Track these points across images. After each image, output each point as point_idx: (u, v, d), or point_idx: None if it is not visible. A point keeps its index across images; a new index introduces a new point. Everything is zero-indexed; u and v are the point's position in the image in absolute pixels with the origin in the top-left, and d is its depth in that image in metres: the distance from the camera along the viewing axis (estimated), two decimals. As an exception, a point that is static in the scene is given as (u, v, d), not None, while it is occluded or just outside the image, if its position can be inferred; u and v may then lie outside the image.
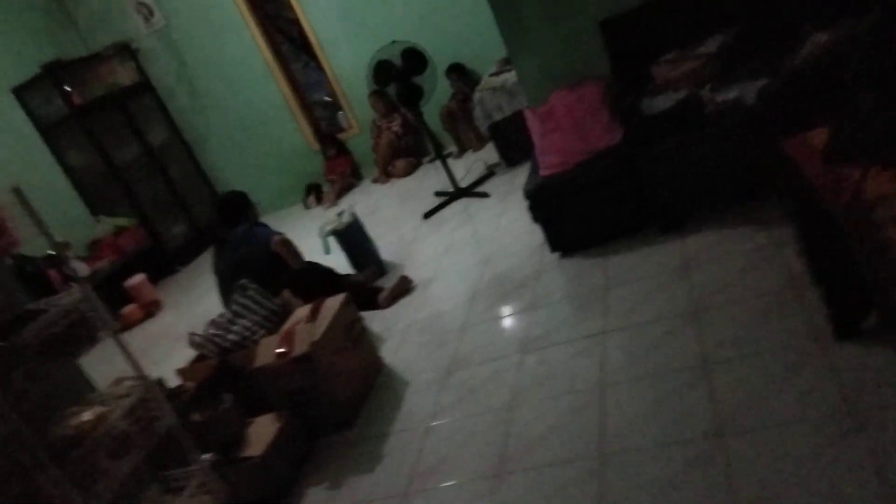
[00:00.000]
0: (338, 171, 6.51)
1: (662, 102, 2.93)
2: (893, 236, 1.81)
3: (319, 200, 6.49)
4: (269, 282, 3.43)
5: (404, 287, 3.73)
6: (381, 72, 4.66)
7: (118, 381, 2.81)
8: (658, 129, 2.89)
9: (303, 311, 2.96)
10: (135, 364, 2.28)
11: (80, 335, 2.13)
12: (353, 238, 4.10)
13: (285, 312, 3.16)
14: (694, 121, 2.82)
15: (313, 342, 2.65)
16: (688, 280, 2.65)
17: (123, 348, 2.21)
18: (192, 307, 5.28)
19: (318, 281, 3.50)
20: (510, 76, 4.78)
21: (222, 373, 2.97)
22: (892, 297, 1.86)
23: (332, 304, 2.93)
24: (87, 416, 2.15)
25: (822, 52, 2.65)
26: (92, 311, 2.16)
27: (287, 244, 3.63)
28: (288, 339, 2.72)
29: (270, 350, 2.75)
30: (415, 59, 4.63)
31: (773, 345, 2.11)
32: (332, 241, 4.18)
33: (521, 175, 4.65)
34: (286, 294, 3.33)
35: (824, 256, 1.98)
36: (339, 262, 4.13)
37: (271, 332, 3.09)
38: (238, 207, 3.81)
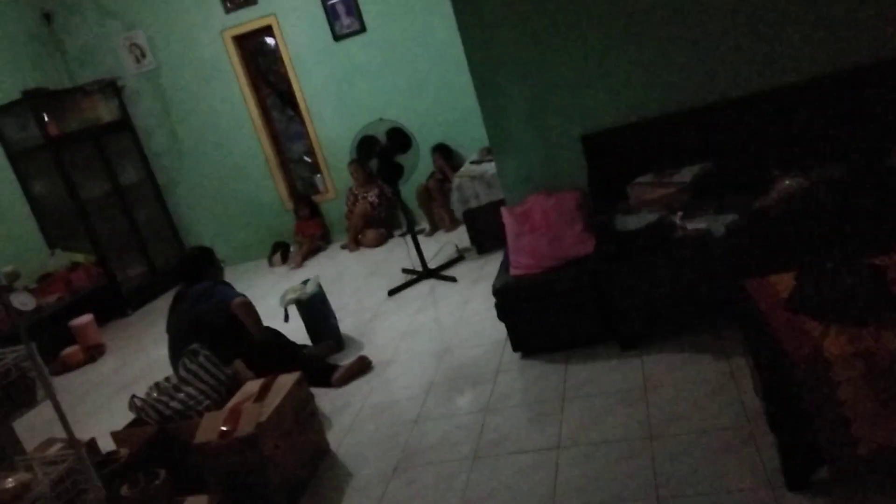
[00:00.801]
0: (308, 233, 6.49)
1: (635, 221, 3.01)
2: (846, 397, 1.86)
3: (285, 260, 6.42)
4: (223, 347, 3.34)
5: (361, 367, 3.66)
6: (365, 147, 4.73)
7: (49, 442, 2.66)
8: (629, 246, 2.95)
9: (253, 385, 2.87)
10: (69, 431, 2.16)
11: (17, 398, 2.01)
12: (314, 309, 4.03)
13: (235, 384, 3.06)
14: (664, 244, 2.89)
15: (260, 423, 2.56)
16: (644, 403, 2.66)
17: (62, 415, 2.10)
18: (137, 356, 5.09)
19: (273, 354, 3.41)
20: (490, 167, 4.89)
21: (160, 442, 2.83)
22: (843, 455, 1.89)
23: (285, 381, 2.84)
24: (10, 482, 2.02)
25: (789, 197, 2.78)
26: (33, 373, 2.05)
27: (247, 308, 3.55)
28: (234, 417, 2.62)
29: (214, 425, 2.64)
30: (400, 138, 4.71)
31: (726, 487, 2.11)
32: (293, 308, 4.10)
33: (490, 263, 4.71)
34: (238, 364, 3.23)
35: (780, 403, 2.01)
36: (296, 331, 4.05)
37: (217, 403, 2.98)
38: (201, 263, 3.74)
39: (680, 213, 2.96)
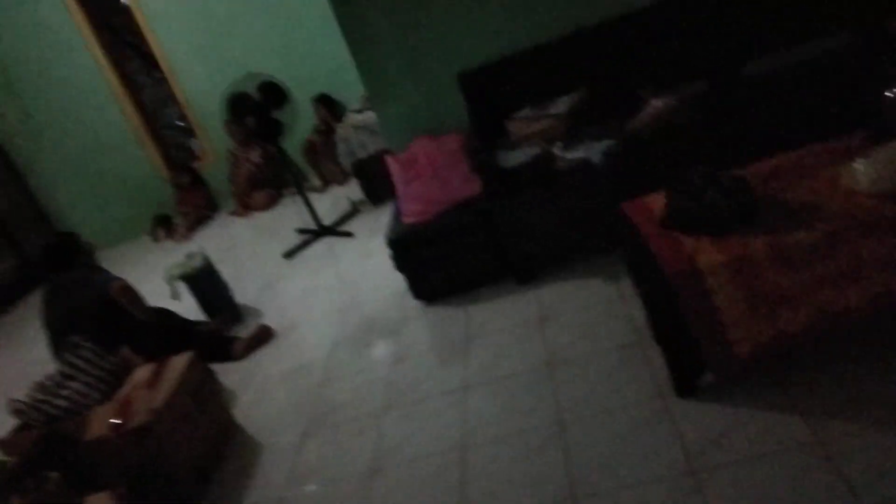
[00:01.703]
0: (191, 203, 6.15)
1: (518, 157, 3.02)
2: (721, 304, 1.97)
3: (170, 234, 6.07)
4: (106, 335, 3.13)
5: (262, 336, 3.55)
6: (237, 105, 4.47)
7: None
8: (513, 182, 2.96)
9: (143, 372, 2.72)
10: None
11: None
12: (203, 282, 3.84)
13: (124, 373, 2.88)
14: (546, 176, 2.93)
15: (153, 410, 2.43)
16: (542, 333, 2.73)
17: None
18: (16, 356, 4.72)
19: (162, 335, 3.24)
20: (373, 115, 4.75)
21: (50, 444, 2.64)
22: (724, 358, 2.02)
23: (177, 363, 2.71)
24: None
25: (658, 117, 2.87)
26: None
27: (127, 290, 3.32)
28: (124, 408, 2.48)
29: (105, 419, 2.49)
30: (274, 92, 4.48)
31: (622, 402, 2.21)
32: (181, 285, 3.89)
33: (386, 215, 4.62)
34: (125, 352, 3.04)
35: (662, 317, 2.10)
36: (189, 308, 3.86)
37: (107, 395, 2.81)
38: (66, 251, 3.45)
39: (559, 144, 3.00)
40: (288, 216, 5.43)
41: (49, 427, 2.69)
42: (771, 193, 2.09)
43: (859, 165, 1.91)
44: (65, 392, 2.81)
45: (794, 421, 1.90)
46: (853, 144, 2.15)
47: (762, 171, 2.22)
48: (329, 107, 5.73)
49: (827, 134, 2.31)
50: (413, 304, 3.33)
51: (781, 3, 3.06)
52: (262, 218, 5.76)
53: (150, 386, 2.57)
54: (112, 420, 2.45)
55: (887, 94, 2.02)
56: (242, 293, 4.20)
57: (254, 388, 3.15)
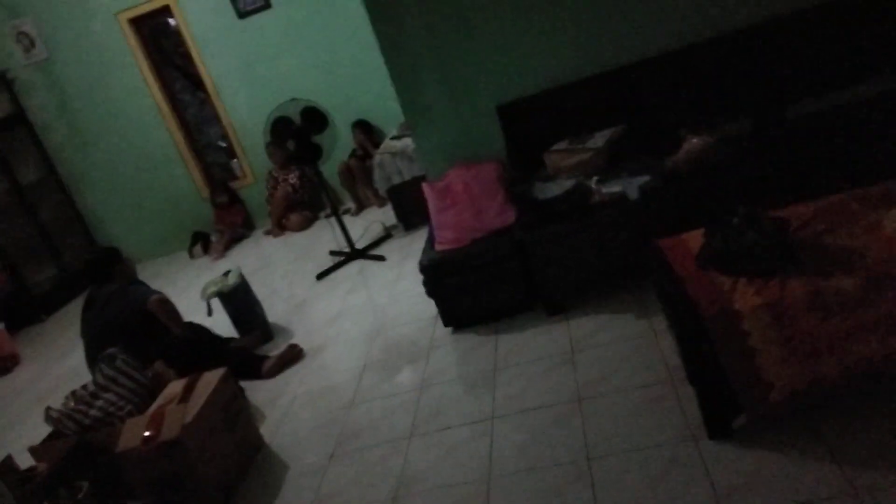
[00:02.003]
0: (228, 221, 6.27)
1: (553, 189, 3.04)
2: (757, 346, 1.94)
3: (206, 250, 6.20)
4: (142, 348, 3.20)
5: (292, 355, 3.59)
6: (279, 129, 4.57)
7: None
8: (548, 213, 2.98)
9: (176, 386, 2.76)
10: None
11: None
12: (238, 300, 3.91)
13: (157, 386, 2.94)
14: (581, 209, 2.93)
15: (184, 425, 2.46)
16: (572, 366, 2.71)
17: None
18: (56, 363, 4.83)
19: (196, 350, 3.29)
20: (411, 142, 4.82)
21: (80, 453, 2.69)
22: (758, 402, 1.98)
23: (209, 379, 2.75)
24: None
25: (697, 156, 2.86)
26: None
27: (165, 304, 3.40)
28: (156, 422, 2.52)
29: (136, 432, 2.53)
30: (315, 117, 4.58)
31: (652, 441, 2.18)
32: (216, 301, 3.96)
33: (418, 239, 4.67)
34: (159, 365, 3.10)
35: (696, 356, 2.08)
36: (221, 324, 3.93)
37: (139, 407, 2.86)
38: (107, 264, 3.54)
39: (595, 178, 3.00)
40: (322, 238, 5.50)
41: (82, 437, 2.74)
42: (811, 237, 2.07)
43: (903, 212, 1.88)
44: (99, 403, 2.87)
45: (828, 468, 1.85)
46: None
47: (803, 214, 2.20)
48: (367, 132, 5.84)
49: (870, 179, 2.28)
50: (442, 330, 3.34)
51: (827, 45, 3.05)
52: (296, 239, 5.85)
53: (182, 400, 2.61)
54: (144, 433, 2.48)
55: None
56: (274, 312, 4.26)
57: (281, 408, 3.17)
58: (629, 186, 2.89)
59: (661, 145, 3.01)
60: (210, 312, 3.92)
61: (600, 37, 3.26)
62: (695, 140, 2.87)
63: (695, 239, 2.27)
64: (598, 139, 3.08)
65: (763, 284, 1.95)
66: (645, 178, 2.88)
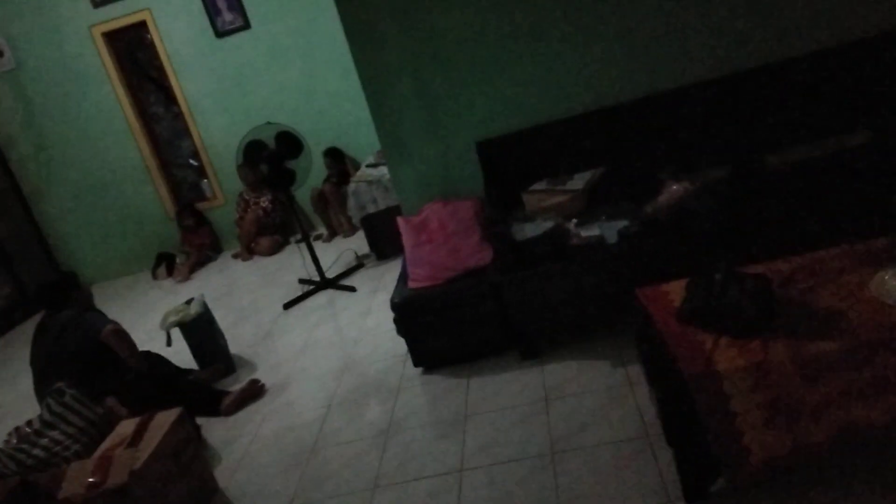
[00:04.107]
0: (195, 243, 6.10)
1: (532, 229, 2.96)
2: (738, 409, 1.87)
3: (171, 272, 6.01)
4: (94, 382, 3.04)
5: (253, 391, 3.43)
6: (253, 152, 4.46)
7: None
8: (526, 255, 2.90)
9: (127, 426, 2.60)
10: None
11: None
12: (200, 331, 3.74)
13: (108, 424, 2.77)
14: (559, 252, 2.86)
15: (133, 471, 2.31)
16: (545, 415, 2.62)
17: None
18: (5, 389, 4.59)
19: (150, 384, 3.13)
20: (387, 170, 4.74)
21: (20, 497, 2.51)
22: (738, 466, 1.90)
23: (163, 420, 2.59)
24: None
25: (676, 202, 2.82)
26: None
27: (119, 335, 3.23)
28: (103, 466, 2.35)
29: (81, 477, 2.36)
30: (290, 142, 4.48)
31: (626, 501, 2.09)
32: (177, 330, 3.80)
33: (390, 270, 4.57)
34: (111, 401, 2.93)
35: (675, 416, 2.00)
36: (181, 355, 3.76)
37: (87, 448, 2.69)
38: (62, 290, 3.37)
39: (574, 221, 2.94)
40: (291, 264, 5.37)
41: (23, 478, 2.56)
42: (795, 296, 2.02)
43: (888, 276, 1.84)
44: (43, 441, 2.69)
45: (811, 542, 1.78)
46: (880, 250, 2.08)
47: (785, 270, 2.15)
48: (339, 161, 5.72)
49: (851, 234, 2.25)
50: (412, 370, 3.23)
51: (808, 95, 3.06)
52: (265, 263, 5.70)
53: (132, 444, 2.45)
54: (89, 479, 2.32)
55: (917, 203, 1.97)
56: (237, 342, 4.11)
57: (240, 449, 3.02)
58: (608, 230, 2.83)
59: (641, 189, 2.96)
60: (169, 342, 3.76)
61: (582, 77, 3.23)
62: (675, 186, 2.84)
63: (676, 290, 2.21)
64: (578, 181, 3.03)
65: (745, 344, 1.88)
66: (624, 223, 2.83)
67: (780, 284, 2.07)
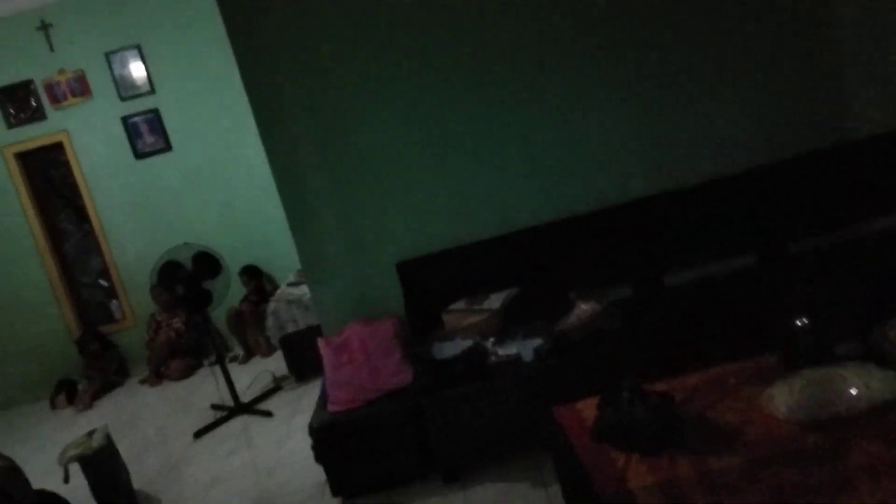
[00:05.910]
0: (99, 369, 5.77)
1: (451, 349, 3.02)
2: (654, 527, 1.91)
3: (71, 400, 5.61)
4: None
5: (157, 531, 3.19)
6: (168, 273, 4.38)
7: None
8: (446, 374, 2.94)
9: (12, 580, 2.34)
10: None
11: None
12: (101, 465, 3.48)
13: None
14: (479, 370, 2.92)
15: None
16: (469, 543, 2.56)
17: None
18: None
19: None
20: (307, 289, 4.75)
21: None
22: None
23: (55, 570, 2.36)
24: None
25: (586, 321, 2.97)
26: None
27: (11, 474, 2.96)
28: None
29: None
30: (208, 263, 4.44)
31: None
32: (76, 465, 3.52)
33: (309, 393, 4.46)
34: (-4, 551, 2.65)
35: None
36: (79, 492, 3.47)
37: None
38: None
39: (492, 339, 3.03)
40: (204, 388, 5.15)
41: None
42: (696, 411, 2.13)
43: (777, 392, 1.99)
44: None
45: None
46: (768, 367, 2.25)
47: (686, 387, 2.28)
48: (256, 278, 5.69)
49: (744, 351, 2.43)
50: (331, 501, 3.10)
51: (701, 218, 3.34)
52: (176, 389, 5.44)
53: None
54: None
55: (797, 321, 2.17)
56: (142, 476, 3.84)
57: None
58: (524, 349, 2.93)
59: (554, 308, 3.10)
60: (67, 479, 3.46)
61: (493, 203, 3.44)
62: (584, 306, 2.99)
63: (589, 408, 2.28)
64: (494, 300, 3.15)
65: (654, 462, 1.95)
66: (539, 341, 2.93)
67: (682, 401, 2.18)
